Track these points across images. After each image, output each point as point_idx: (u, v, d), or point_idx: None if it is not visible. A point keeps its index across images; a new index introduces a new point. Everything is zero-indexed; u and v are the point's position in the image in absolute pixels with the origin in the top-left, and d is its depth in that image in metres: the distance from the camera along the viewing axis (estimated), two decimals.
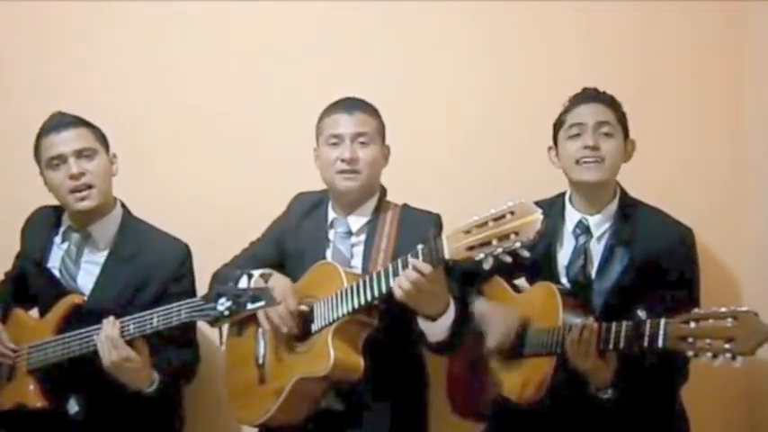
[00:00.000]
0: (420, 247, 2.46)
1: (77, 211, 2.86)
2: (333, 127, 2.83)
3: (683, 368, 2.70)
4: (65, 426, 2.82)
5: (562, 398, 2.65)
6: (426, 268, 2.44)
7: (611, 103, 2.80)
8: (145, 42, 3.40)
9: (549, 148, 2.88)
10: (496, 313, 2.82)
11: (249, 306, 2.50)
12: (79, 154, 2.83)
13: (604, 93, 2.82)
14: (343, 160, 2.79)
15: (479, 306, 2.86)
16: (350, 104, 2.85)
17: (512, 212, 2.27)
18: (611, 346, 2.48)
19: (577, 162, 2.76)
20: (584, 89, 2.84)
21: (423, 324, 2.62)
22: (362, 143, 2.81)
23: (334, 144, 2.81)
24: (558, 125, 2.84)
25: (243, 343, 2.89)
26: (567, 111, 2.82)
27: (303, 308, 2.73)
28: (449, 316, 2.60)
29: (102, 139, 2.92)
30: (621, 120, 2.80)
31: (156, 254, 2.91)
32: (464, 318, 2.67)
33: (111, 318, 2.69)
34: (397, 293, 2.50)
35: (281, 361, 2.77)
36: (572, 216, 2.85)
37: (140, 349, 2.70)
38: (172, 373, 2.84)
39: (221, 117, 3.37)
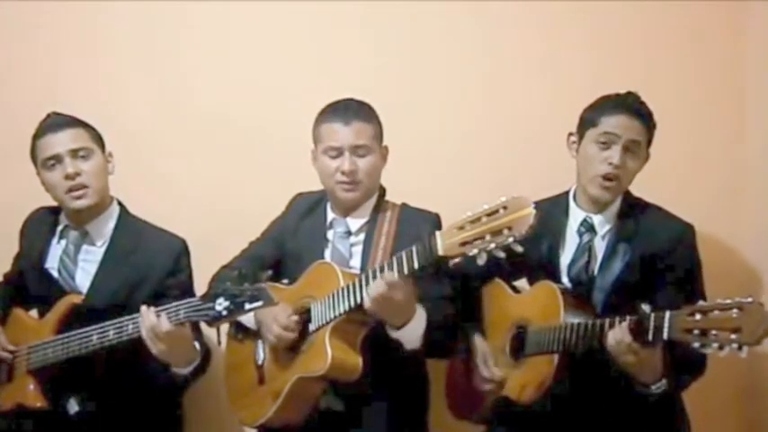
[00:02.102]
0: (414, 246, 2.46)
1: (74, 209, 2.87)
2: (331, 138, 2.81)
3: (700, 362, 2.68)
4: (65, 426, 2.82)
5: (562, 398, 2.64)
6: (391, 276, 2.48)
7: (649, 119, 2.76)
8: (145, 43, 3.40)
9: (570, 135, 2.84)
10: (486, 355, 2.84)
11: (247, 306, 2.49)
12: (75, 154, 2.84)
13: (644, 105, 2.77)
14: (343, 172, 2.79)
15: (475, 341, 2.88)
16: (347, 113, 2.81)
17: (505, 207, 2.28)
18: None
19: (598, 176, 2.73)
20: (629, 96, 2.78)
21: (390, 332, 2.64)
22: (361, 155, 2.80)
23: (333, 156, 2.81)
24: (589, 121, 2.78)
25: (242, 344, 2.89)
26: (604, 112, 2.75)
27: (295, 318, 2.73)
28: (415, 326, 2.62)
29: (98, 139, 2.92)
30: (650, 139, 2.78)
31: (153, 250, 2.92)
32: (445, 324, 2.70)
33: (151, 308, 2.63)
34: (366, 303, 2.53)
35: (280, 361, 2.77)
36: (576, 214, 2.85)
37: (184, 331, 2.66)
38: (208, 356, 2.84)
39: (221, 117, 3.37)
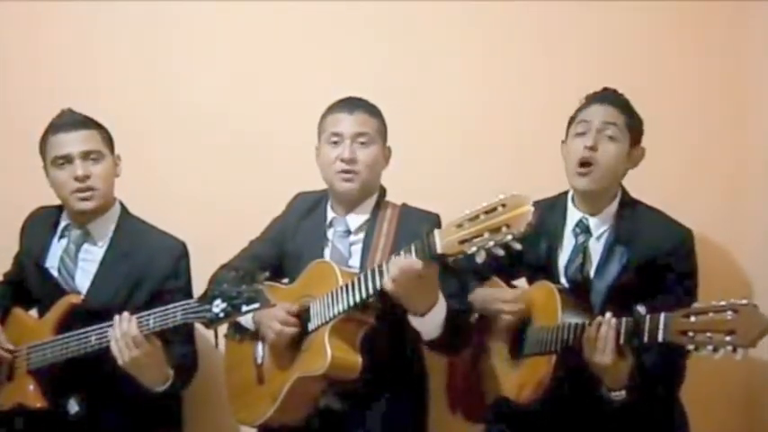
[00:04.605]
0: (413, 243, 2.45)
1: (78, 211, 2.87)
2: (334, 125, 2.83)
3: (680, 369, 2.70)
4: (65, 426, 2.82)
5: (561, 398, 2.65)
6: (417, 264, 2.43)
7: (624, 106, 2.77)
8: (145, 42, 3.41)
9: (563, 142, 2.86)
10: (498, 291, 2.85)
11: (244, 308, 2.50)
12: (86, 156, 2.85)
13: (620, 95, 2.79)
14: (342, 160, 2.79)
15: (479, 293, 2.87)
16: (352, 104, 2.85)
17: (503, 205, 2.27)
18: (622, 342, 2.47)
19: (575, 165, 2.74)
20: (604, 89, 2.82)
21: (413, 321, 2.61)
22: (362, 143, 2.81)
23: (335, 143, 2.81)
24: (570, 121, 2.83)
25: (242, 344, 2.89)
26: (581, 108, 2.81)
27: (294, 309, 2.72)
28: (438, 312, 2.59)
29: (109, 141, 2.93)
30: (631, 125, 2.77)
31: (153, 251, 2.91)
32: (460, 315, 2.67)
33: (126, 314, 2.67)
34: (386, 283, 2.49)
35: (279, 361, 2.77)
36: (573, 215, 2.85)
37: (155, 344, 2.68)
38: (184, 370, 2.84)
39: (221, 117, 3.38)
